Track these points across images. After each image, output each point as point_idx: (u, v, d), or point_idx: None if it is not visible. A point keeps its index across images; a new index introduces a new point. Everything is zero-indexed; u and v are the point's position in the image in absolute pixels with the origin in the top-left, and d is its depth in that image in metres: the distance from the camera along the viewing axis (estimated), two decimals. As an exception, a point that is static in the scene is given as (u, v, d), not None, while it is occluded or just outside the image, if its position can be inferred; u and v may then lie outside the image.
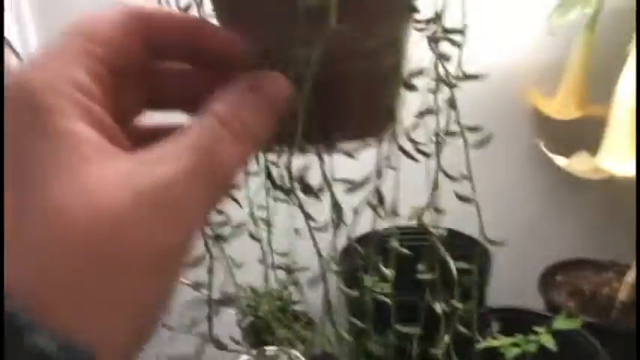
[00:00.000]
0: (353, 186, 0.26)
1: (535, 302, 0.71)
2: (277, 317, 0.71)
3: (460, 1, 0.25)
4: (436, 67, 0.26)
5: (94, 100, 0.18)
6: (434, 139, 0.30)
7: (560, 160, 0.70)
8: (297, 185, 0.25)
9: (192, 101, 0.22)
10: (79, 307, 0.16)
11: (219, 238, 0.34)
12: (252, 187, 0.33)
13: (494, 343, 0.59)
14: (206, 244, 0.34)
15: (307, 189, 0.25)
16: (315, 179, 0.25)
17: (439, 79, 0.27)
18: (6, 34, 0.68)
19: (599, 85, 0.69)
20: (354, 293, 0.38)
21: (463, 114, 0.29)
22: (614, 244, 0.79)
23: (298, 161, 0.24)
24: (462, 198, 0.33)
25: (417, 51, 0.26)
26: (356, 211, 0.29)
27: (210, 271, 0.34)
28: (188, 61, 0.23)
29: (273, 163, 0.27)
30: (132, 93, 0.22)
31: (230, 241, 0.35)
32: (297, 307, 0.76)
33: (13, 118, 0.17)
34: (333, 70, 0.22)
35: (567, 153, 0.71)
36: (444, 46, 0.27)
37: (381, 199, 0.28)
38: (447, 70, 0.27)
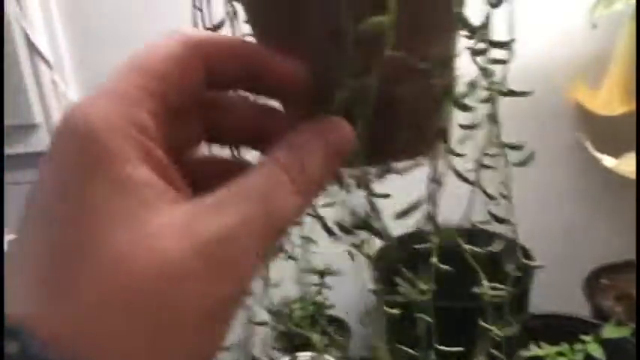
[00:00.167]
0: (402, 212, 0.25)
1: (581, 307, 0.69)
2: (311, 322, 0.70)
3: (506, 10, 0.23)
4: (479, 82, 0.25)
5: (153, 140, 0.18)
6: (476, 159, 0.28)
7: (607, 161, 0.66)
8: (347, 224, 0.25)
9: (251, 135, 0.22)
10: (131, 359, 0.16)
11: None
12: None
13: (539, 352, 0.57)
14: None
15: (357, 226, 0.24)
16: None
17: (484, 91, 0.25)
18: (36, 42, 0.69)
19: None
20: (394, 311, 0.37)
21: (501, 108, 0.27)
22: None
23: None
24: (498, 219, 0.32)
25: (459, 63, 0.25)
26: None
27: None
28: (246, 90, 0.23)
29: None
30: (189, 127, 0.21)
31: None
32: (331, 312, 0.75)
33: (74, 160, 0.17)
34: (384, 93, 0.21)
35: (612, 152, 0.68)
36: (491, 55, 0.25)
37: (435, 223, 0.27)
38: (491, 85, 0.25)
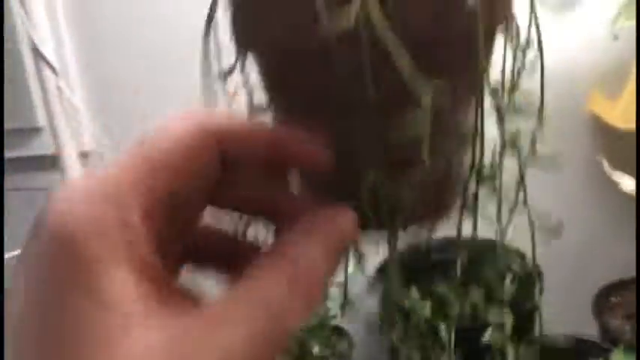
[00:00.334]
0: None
1: (589, 326, 0.68)
2: (315, 333, 0.69)
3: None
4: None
5: (140, 242, 0.16)
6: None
7: (626, 184, 0.63)
8: None
9: (260, 207, 0.22)
10: None
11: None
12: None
13: (547, 377, 0.56)
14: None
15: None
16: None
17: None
18: (41, 47, 0.67)
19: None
20: (402, 347, 0.36)
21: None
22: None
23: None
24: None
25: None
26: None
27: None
28: (261, 173, 0.21)
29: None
30: (195, 204, 0.20)
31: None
32: (335, 322, 0.74)
33: (49, 269, 0.15)
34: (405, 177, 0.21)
35: (629, 168, 0.65)
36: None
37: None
38: (518, 156, 0.24)
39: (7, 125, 0.66)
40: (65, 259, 0.15)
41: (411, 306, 0.55)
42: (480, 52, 0.20)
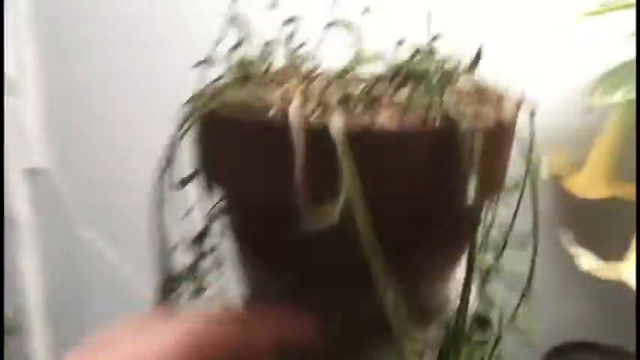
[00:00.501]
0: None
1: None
2: None
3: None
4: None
5: None
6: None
7: (586, 262, 0.60)
8: None
9: None
10: None
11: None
12: None
13: None
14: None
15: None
16: None
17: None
18: None
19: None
20: None
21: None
22: (623, 328, 0.76)
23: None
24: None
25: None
26: None
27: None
28: None
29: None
30: None
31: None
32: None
33: None
34: None
35: (595, 240, 0.63)
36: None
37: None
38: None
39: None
40: None
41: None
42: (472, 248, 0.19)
